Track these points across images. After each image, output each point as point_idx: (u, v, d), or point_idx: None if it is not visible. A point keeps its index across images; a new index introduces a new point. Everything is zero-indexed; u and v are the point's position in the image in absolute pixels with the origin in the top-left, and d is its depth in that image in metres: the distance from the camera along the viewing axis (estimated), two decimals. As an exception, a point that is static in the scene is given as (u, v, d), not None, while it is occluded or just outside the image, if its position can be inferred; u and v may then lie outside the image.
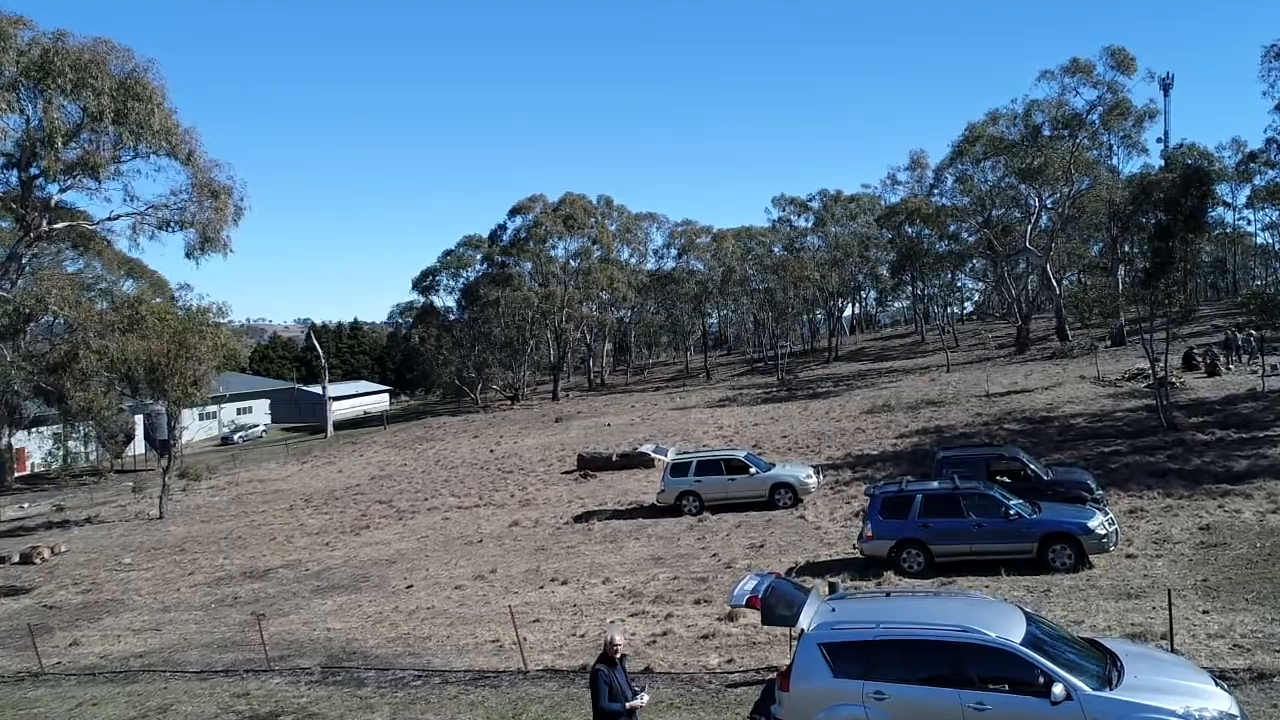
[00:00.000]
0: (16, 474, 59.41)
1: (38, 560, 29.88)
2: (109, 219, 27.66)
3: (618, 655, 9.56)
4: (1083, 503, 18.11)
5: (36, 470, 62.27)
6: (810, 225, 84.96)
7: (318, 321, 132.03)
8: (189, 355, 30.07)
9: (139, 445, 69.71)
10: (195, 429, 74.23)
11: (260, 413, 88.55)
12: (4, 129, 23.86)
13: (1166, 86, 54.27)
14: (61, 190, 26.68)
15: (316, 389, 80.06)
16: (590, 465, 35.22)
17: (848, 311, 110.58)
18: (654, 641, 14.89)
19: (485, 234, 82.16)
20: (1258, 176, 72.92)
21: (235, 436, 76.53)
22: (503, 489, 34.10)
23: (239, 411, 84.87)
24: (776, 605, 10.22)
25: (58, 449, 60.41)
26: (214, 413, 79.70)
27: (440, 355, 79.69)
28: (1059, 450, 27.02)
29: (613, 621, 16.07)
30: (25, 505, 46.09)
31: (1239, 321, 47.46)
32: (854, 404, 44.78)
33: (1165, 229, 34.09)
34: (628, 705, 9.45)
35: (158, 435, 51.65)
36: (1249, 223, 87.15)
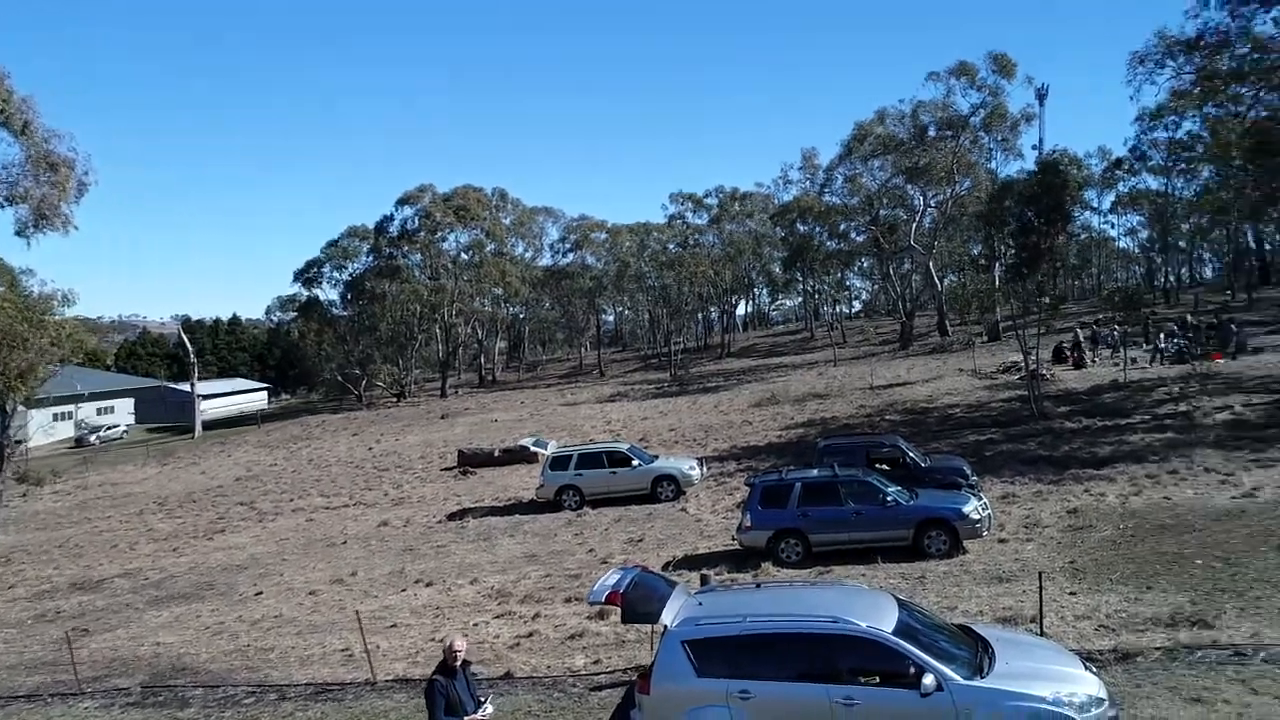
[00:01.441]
0: None
1: None
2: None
3: (458, 663, 8.52)
4: (958, 489, 18.04)
5: None
6: (706, 222, 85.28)
7: (195, 317, 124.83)
8: (17, 345, 27.07)
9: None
10: (46, 430, 68.38)
11: (123, 412, 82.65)
12: None
13: (1041, 95, 56.53)
14: None
15: (186, 387, 75.12)
16: (471, 461, 33.77)
17: (741, 309, 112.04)
18: (518, 644, 13.84)
19: (372, 225, 78.93)
20: (1120, 183, 77.25)
21: (91, 438, 71.03)
22: (376, 488, 32.28)
23: (99, 411, 78.90)
24: (638, 601, 9.36)
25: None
26: (69, 412, 73.84)
27: (323, 351, 76.10)
28: (937, 439, 27.32)
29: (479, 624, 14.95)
30: None
31: (1101, 317, 49.93)
32: (742, 398, 44.73)
33: (1027, 227, 35.22)
34: (467, 719, 8.44)
35: (5, 436, 47.15)
36: (1112, 226, 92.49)
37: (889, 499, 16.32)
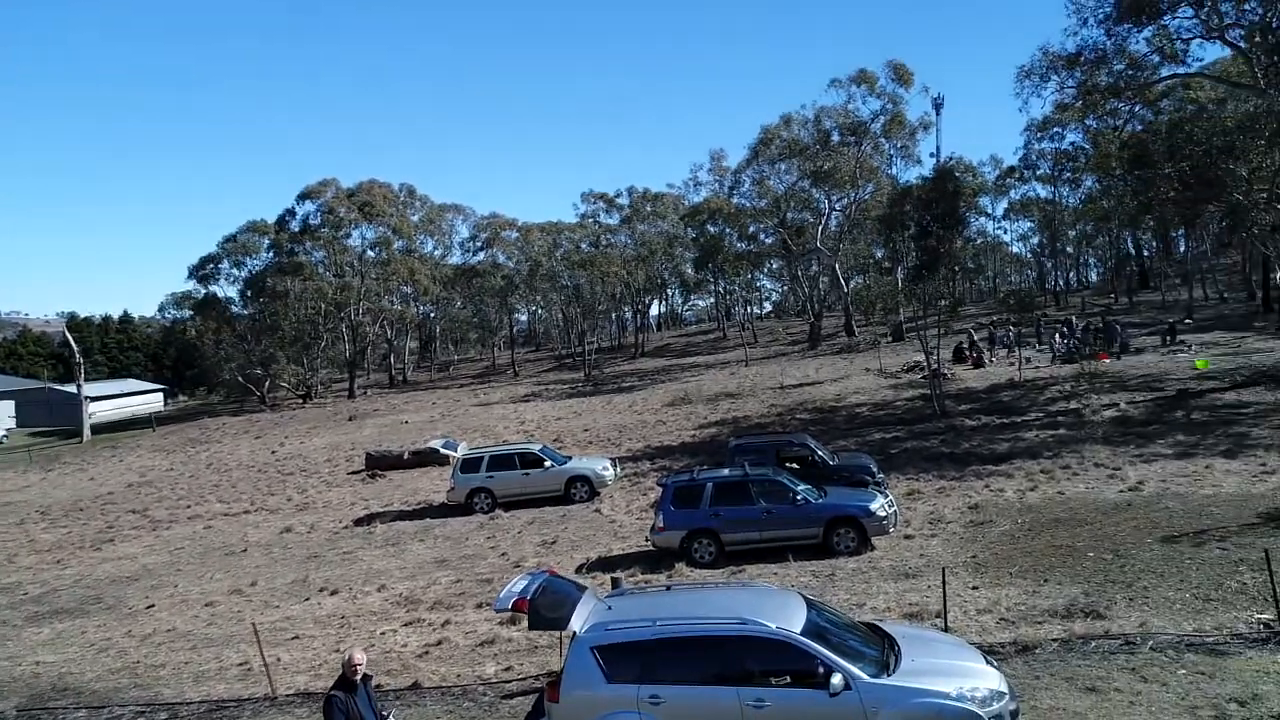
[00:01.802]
0: None
1: None
2: None
3: (357, 677, 8.20)
4: (866, 487, 18.51)
5: None
6: (618, 222, 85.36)
7: (82, 314, 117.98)
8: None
9: None
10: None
11: (3, 415, 77.54)
12: None
13: (938, 104, 58.35)
14: None
15: (72, 388, 70.90)
16: (379, 464, 32.90)
17: (654, 309, 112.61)
18: (427, 653, 13.50)
19: (273, 220, 76.09)
20: (1012, 191, 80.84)
21: (-35, 444, 66.35)
22: (279, 493, 31.11)
23: (-27, 415, 73.89)
24: (545, 607, 9.22)
25: None
26: (-60, 416, 68.88)
27: (222, 351, 72.93)
28: (845, 437, 27.99)
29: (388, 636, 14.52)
30: None
31: (996, 318, 52.10)
32: (656, 398, 44.93)
33: (926, 231, 36.53)
34: (368, 734, 8.13)
35: None
36: (1005, 232, 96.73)
37: (799, 498, 16.60)
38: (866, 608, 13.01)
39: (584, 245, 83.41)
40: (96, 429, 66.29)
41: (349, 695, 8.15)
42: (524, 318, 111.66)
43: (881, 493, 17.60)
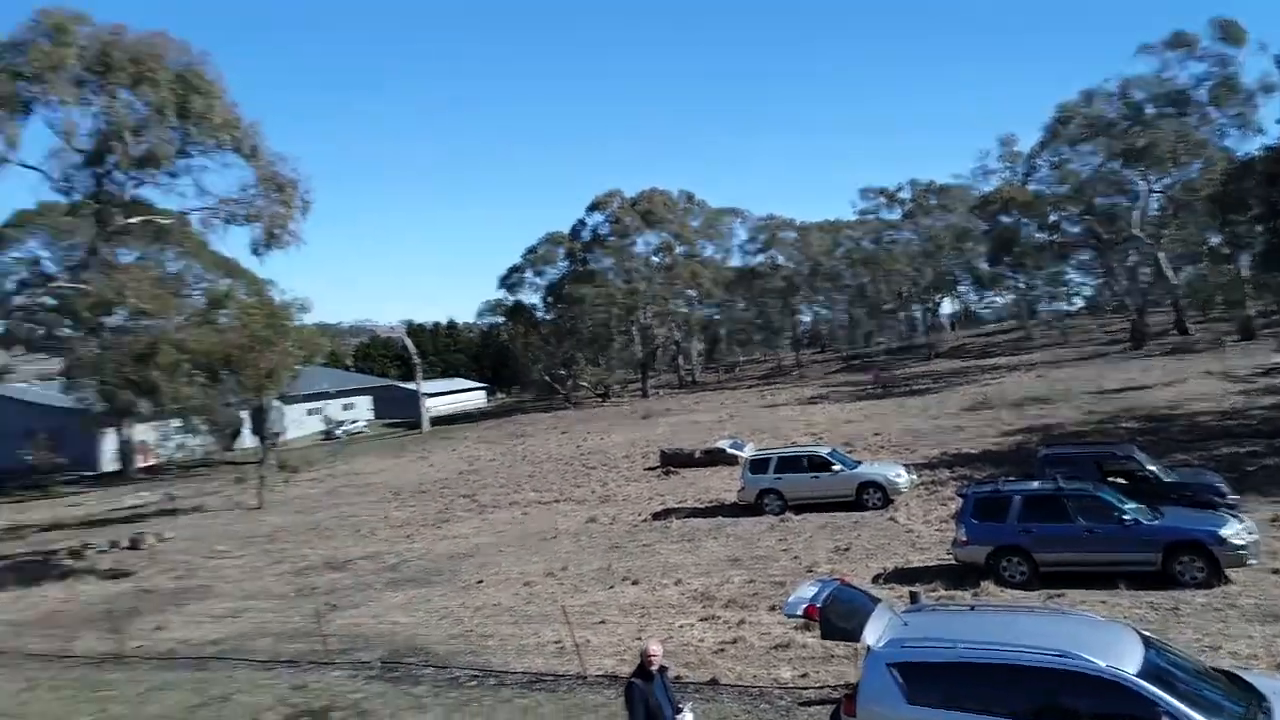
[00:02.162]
0: (139, 464, 62.67)
1: (144, 546, 30.97)
2: (181, 213, 28.27)
3: (654, 667, 8.65)
4: (1213, 509, 16.10)
5: (157, 461, 65.43)
6: (900, 217, 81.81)
7: (417, 322, 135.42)
8: (263, 349, 30.64)
9: (247, 438, 72.84)
10: (300, 424, 76.90)
11: (363, 409, 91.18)
12: (74, 124, 24.58)
13: (1283, 60, 49.54)
14: (135, 186, 27.34)
15: (413, 386, 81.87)
16: (673, 462, 34.34)
17: (947, 308, 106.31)
18: (723, 650, 13.89)
19: (567, 230, 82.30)
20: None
21: (338, 431, 78.86)
22: (584, 485, 33.59)
23: (344, 408, 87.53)
24: (837, 617, 9.09)
25: (170, 441, 63.41)
26: (320, 408, 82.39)
27: (529, 353, 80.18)
28: (1185, 451, 24.58)
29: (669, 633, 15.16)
30: (143, 494, 48.46)
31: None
32: (953, 401, 42.45)
33: (1274, 209, 30.66)
34: (664, 725, 8.54)
35: (258, 429, 53.63)
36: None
37: (1128, 517, 14.85)
38: (1223, 652, 11.33)
39: (865, 243, 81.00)
40: (433, 421, 75.87)
41: (647, 684, 8.61)
42: (808, 319, 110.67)
43: (1235, 517, 15.20)
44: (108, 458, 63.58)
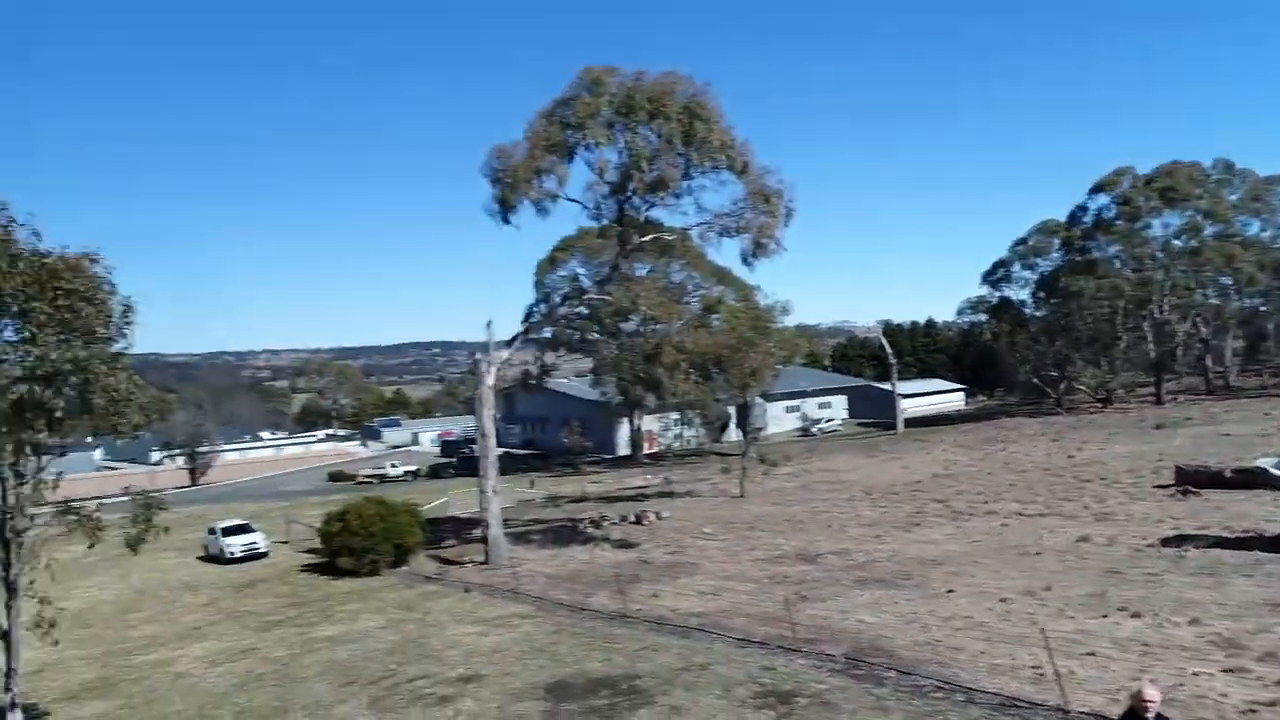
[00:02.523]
0: (645, 450, 72.21)
1: (645, 523, 35.54)
2: (683, 230, 31.55)
3: (1149, 715, 7.34)
4: None
5: (659, 449, 74.78)
6: None
7: (895, 321, 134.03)
8: (748, 349, 32.86)
9: (734, 432, 79.30)
10: (779, 420, 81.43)
11: (838, 408, 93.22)
12: (607, 161, 28.85)
13: None
14: (648, 208, 31.14)
15: (888, 386, 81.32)
16: (1193, 480, 28.95)
17: None
18: (1254, 711, 11.31)
19: (1062, 218, 73.98)
20: None
21: (813, 429, 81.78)
22: (1075, 499, 30.04)
23: (819, 406, 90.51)
24: None
25: (669, 431, 71.85)
26: (797, 406, 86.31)
27: (1016, 353, 74.16)
28: None
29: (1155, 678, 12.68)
30: (647, 477, 55.71)
31: None
32: None
33: None
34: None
35: (746, 424, 58.18)
36: None
37: None
38: None
39: None
40: (908, 422, 74.51)
41: (1148, 732, 7.36)
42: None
43: None
44: (622, 444, 74.30)
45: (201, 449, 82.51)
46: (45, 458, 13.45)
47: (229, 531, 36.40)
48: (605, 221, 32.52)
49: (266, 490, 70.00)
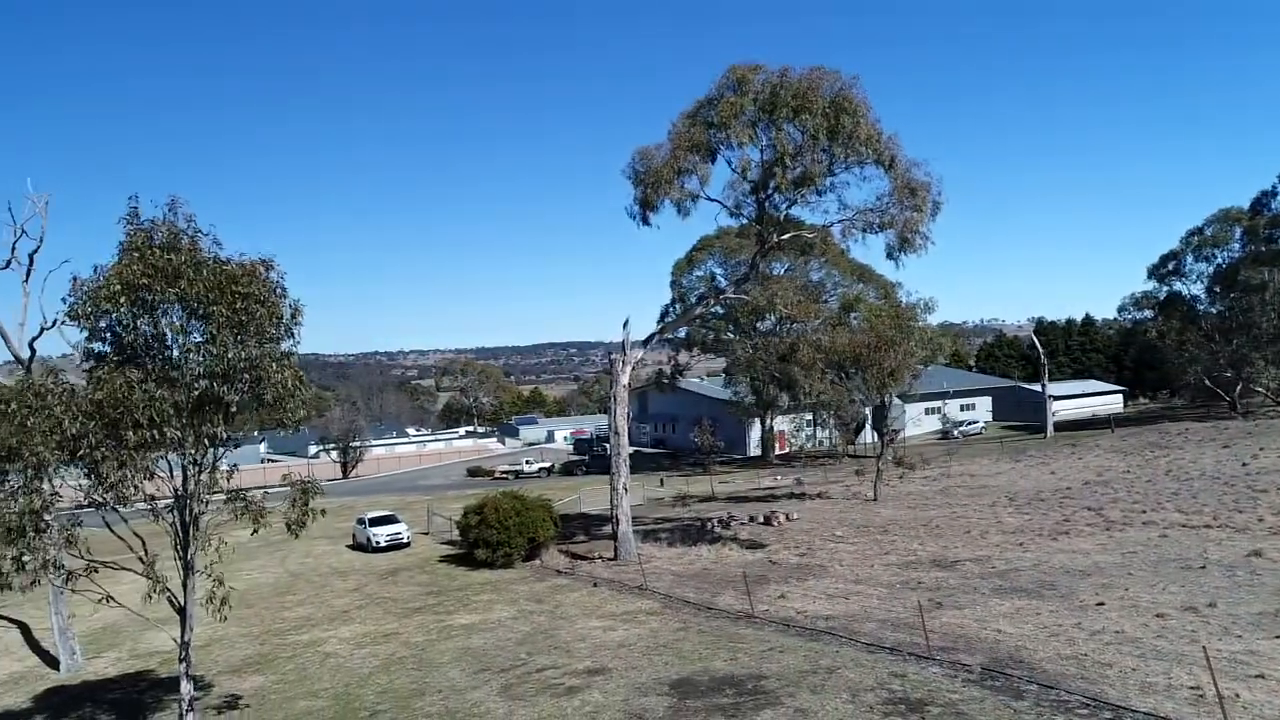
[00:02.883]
0: (776, 451, 71.35)
1: (774, 524, 35.15)
2: (824, 227, 30.90)
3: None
4: None
5: (790, 450, 73.72)
6: None
7: (1048, 319, 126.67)
8: (887, 349, 31.81)
9: (868, 434, 77.13)
10: (918, 422, 78.60)
11: (982, 409, 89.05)
12: (749, 160, 28.65)
13: None
14: (788, 206, 30.81)
15: (1036, 387, 76.96)
16: (1392, 492, 25.95)
17: None
18: None
19: (1245, 205, 67.76)
20: None
21: (954, 431, 78.47)
22: (1248, 510, 27.53)
23: (961, 408, 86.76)
24: None
25: (801, 432, 70.65)
26: (938, 407, 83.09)
27: (1185, 352, 68.56)
28: None
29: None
30: (777, 477, 55.06)
31: None
32: None
33: None
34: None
35: (882, 425, 56.46)
36: None
37: None
38: None
39: None
40: (1058, 426, 70.27)
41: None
42: None
43: None
44: (753, 444, 73.70)
45: (353, 444, 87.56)
46: (220, 449, 14.68)
47: (375, 522, 38.55)
48: (745, 220, 32.44)
49: (410, 483, 73.76)
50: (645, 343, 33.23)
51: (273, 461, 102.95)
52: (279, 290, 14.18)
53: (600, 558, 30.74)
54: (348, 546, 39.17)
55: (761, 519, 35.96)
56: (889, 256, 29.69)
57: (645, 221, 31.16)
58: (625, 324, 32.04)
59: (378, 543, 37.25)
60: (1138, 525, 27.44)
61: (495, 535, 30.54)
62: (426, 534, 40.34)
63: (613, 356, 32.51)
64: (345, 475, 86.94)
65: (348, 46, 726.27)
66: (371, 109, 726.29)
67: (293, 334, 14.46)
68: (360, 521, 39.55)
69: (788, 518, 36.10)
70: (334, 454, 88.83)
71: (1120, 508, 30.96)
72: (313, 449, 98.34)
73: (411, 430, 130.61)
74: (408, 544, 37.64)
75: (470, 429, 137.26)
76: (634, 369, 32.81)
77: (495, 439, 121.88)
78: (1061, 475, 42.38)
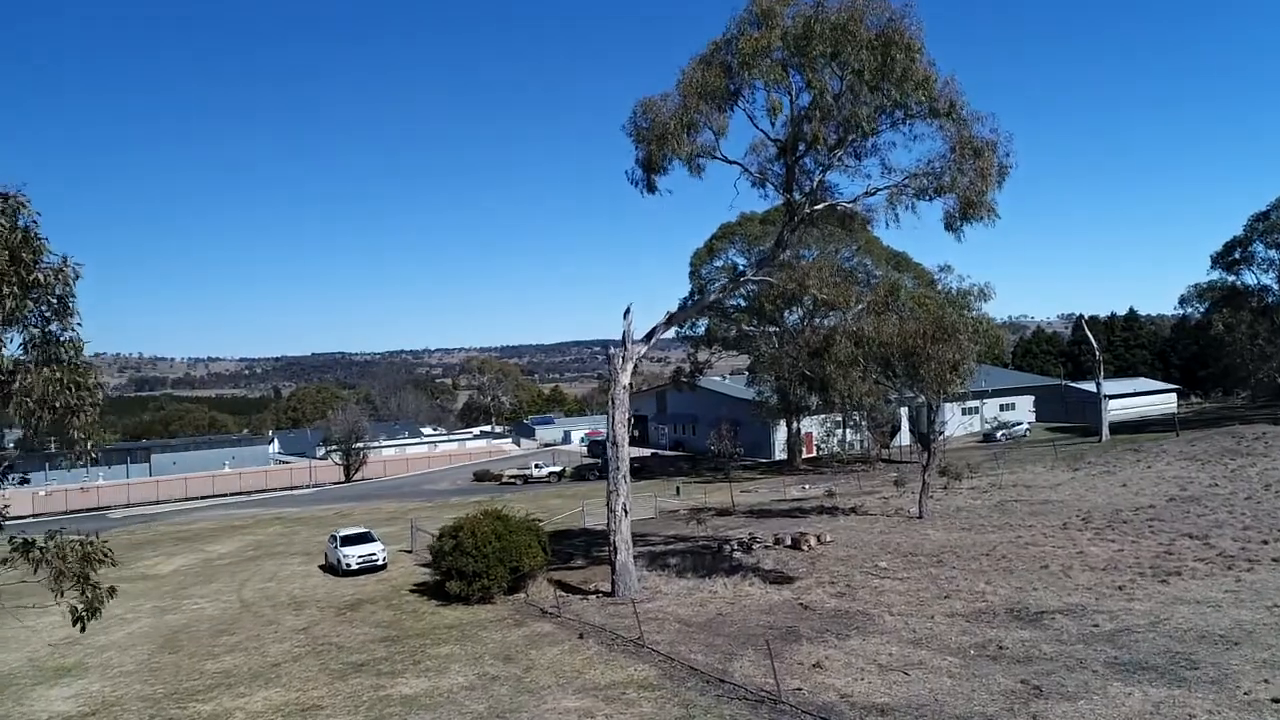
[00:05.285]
0: (804, 456, 65.80)
1: (804, 548, 29.81)
2: (866, 194, 25.53)
3: None
4: None
5: (818, 454, 68.15)
6: None
7: (1087, 315, 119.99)
8: (947, 338, 26.38)
9: (904, 437, 71.31)
10: (956, 424, 72.56)
11: (1023, 410, 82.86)
12: (779, 103, 23.32)
13: None
14: (822, 172, 25.57)
15: (1085, 386, 70.77)
16: None
17: None
18: None
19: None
20: None
21: (997, 434, 72.44)
22: None
23: (1001, 408, 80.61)
24: None
25: (831, 436, 64.98)
26: (976, 408, 77.10)
27: (1255, 346, 62.24)
28: None
29: None
30: (806, 487, 49.63)
31: None
32: None
33: None
34: None
35: (920, 428, 50.86)
36: None
37: None
38: None
39: None
40: (1112, 428, 64.15)
41: None
42: None
43: None
44: (777, 448, 68.18)
45: (356, 445, 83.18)
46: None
47: (348, 541, 33.70)
48: (770, 190, 27.24)
49: (414, 488, 69.06)
50: (649, 336, 27.89)
51: (282, 463, 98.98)
52: (27, 241, 9.04)
53: (596, 591, 25.66)
54: (319, 567, 34.43)
55: (789, 540, 30.62)
56: (948, 228, 24.26)
57: (650, 188, 25.92)
58: (627, 312, 26.71)
59: (348, 565, 32.39)
60: (1267, 562, 21.81)
61: (472, 564, 25.46)
62: (409, 552, 35.53)
63: (611, 351, 27.28)
64: (348, 478, 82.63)
65: (373, 46, 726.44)
66: (397, 110, 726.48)
67: (66, 310, 9.34)
68: (332, 539, 34.76)
69: (819, 540, 30.72)
70: (335, 456, 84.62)
71: (1230, 535, 25.31)
72: (320, 450, 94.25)
73: (426, 430, 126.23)
74: (383, 566, 32.77)
75: (485, 429, 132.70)
76: (645, 365, 27.78)
77: (510, 440, 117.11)
78: (1136, 489, 36.62)
